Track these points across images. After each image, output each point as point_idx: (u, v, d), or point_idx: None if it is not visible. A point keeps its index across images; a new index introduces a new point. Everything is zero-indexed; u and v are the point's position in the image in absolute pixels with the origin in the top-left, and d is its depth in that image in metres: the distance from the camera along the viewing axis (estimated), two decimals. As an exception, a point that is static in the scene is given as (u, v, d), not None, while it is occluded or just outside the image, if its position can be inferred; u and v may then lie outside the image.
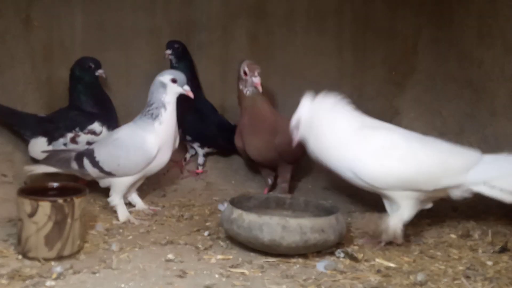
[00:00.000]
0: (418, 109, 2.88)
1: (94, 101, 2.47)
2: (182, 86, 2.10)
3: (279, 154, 2.35)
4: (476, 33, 2.51)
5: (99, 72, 2.46)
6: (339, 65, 2.98)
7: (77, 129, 2.40)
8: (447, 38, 2.73)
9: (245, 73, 2.30)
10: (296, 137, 1.98)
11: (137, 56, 2.78)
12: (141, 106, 2.74)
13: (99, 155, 2.08)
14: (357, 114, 2.00)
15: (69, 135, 2.39)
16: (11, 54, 2.53)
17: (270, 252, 1.77)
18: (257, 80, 2.27)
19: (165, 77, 2.09)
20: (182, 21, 2.82)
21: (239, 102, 2.42)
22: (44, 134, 2.37)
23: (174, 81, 2.08)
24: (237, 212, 1.78)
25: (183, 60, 2.62)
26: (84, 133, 2.40)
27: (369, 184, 1.88)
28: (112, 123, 2.46)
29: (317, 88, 2.97)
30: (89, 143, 2.37)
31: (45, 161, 2.20)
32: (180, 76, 2.11)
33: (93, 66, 2.44)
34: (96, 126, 2.42)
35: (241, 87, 2.34)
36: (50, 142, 2.37)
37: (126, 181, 2.10)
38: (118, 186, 2.11)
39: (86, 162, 2.11)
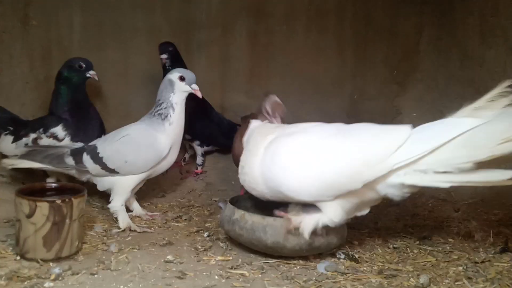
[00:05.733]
0: (420, 109, 2.87)
1: (70, 107, 2.28)
2: (190, 84, 2.06)
3: None
4: (478, 32, 2.51)
5: (91, 73, 2.28)
6: (340, 64, 2.97)
7: (41, 130, 2.26)
8: (449, 37, 2.72)
9: (267, 112, 2.10)
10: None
11: (136, 55, 2.76)
12: (139, 105, 2.75)
13: (104, 151, 2.04)
14: (276, 126, 1.86)
15: (32, 136, 2.25)
16: (9, 54, 2.52)
17: (273, 254, 1.75)
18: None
19: (174, 74, 2.06)
20: (181, 20, 2.81)
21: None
22: (11, 132, 2.30)
23: (182, 78, 2.05)
24: (239, 213, 1.75)
25: (177, 62, 2.53)
26: (47, 136, 2.24)
27: (296, 199, 1.68)
28: (80, 134, 2.25)
29: (318, 88, 3.00)
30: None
31: (29, 157, 2.08)
32: (189, 74, 2.07)
33: (84, 66, 2.27)
34: (58, 130, 2.24)
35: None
36: (14, 140, 2.27)
37: (130, 180, 2.05)
38: (121, 187, 2.05)
39: (86, 157, 2.05)
